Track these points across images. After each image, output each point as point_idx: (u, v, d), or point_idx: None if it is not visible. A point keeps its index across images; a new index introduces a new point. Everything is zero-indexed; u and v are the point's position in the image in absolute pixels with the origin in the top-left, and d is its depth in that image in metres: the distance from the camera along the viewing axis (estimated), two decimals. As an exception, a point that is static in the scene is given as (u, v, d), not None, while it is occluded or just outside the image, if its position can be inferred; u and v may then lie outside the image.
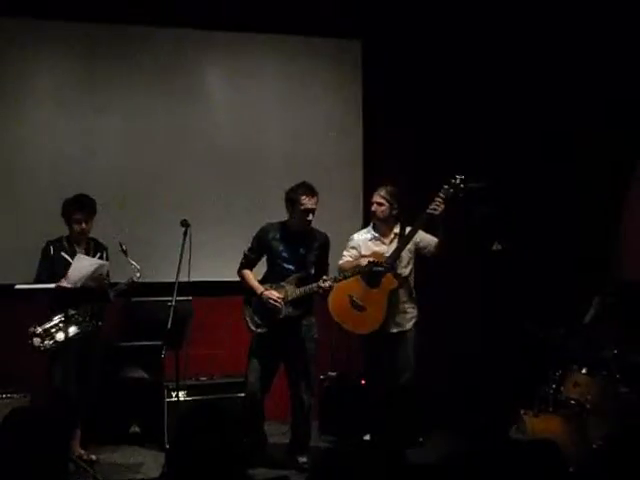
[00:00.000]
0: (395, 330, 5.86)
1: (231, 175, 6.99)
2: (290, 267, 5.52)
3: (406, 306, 5.91)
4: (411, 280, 5.98)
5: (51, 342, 5.32)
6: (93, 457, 5.73)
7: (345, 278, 5.58)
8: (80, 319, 5.42)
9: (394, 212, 5.85)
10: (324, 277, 5.46)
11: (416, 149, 7.14)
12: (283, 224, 5.54)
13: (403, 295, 5.88)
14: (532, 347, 5.93)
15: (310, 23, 7.05)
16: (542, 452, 2.85)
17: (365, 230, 6.06)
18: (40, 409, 4.81)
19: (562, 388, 5.35)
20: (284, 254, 5.53)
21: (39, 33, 6.60)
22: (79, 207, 5.54)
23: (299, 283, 5.50)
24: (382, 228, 5.94)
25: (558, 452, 2.87)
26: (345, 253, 5.94)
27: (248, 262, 5.64)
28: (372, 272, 5.61)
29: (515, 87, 6.98)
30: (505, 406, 5.70)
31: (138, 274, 5.52)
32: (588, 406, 5.23)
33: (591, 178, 6.70)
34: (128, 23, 6.77)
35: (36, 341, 5.28)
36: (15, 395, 6.06)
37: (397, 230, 5.89)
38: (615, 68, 6.47)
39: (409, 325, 5.92)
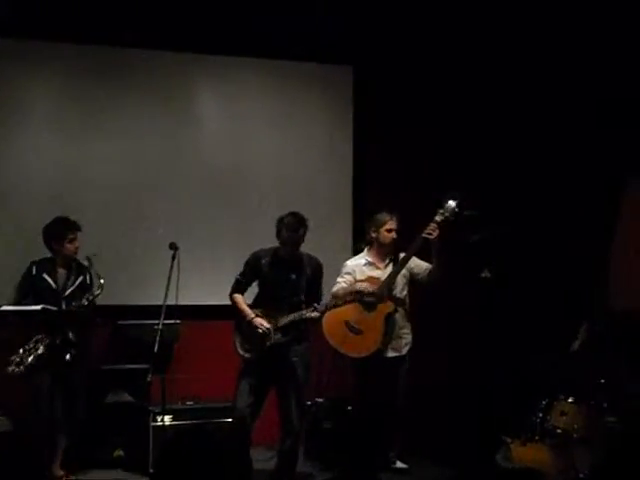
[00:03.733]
0: (392, 355, 5.87)
1: (221, 198, 7.01)
2: (281, 293, 5.48)
3: (402, 331, 5.92)
4: (407, 306, 5.99)
5: (21, 367, 5.30)
6: (73, 478, 5.68)
7: (335, 307, 5.58)
8: (48, 341, 5.36)
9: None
10: (315, 305, 5.43)
11: (406, 174, 7.18)
12: (275, 250, 5.53)
13: (400, 320, 5.89)
14: (519, 375, 5.94)
15: (302, 49, 7.12)
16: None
17: (359, 256, 6.08)
18: (21, 434, 4.78)
19: (549, 417, 5.34)
20: (275, 280, 5.50)
21: (35, 54, 6.63)
22: (73, 227, 5.59)
23: (290, 309, 5.46)
24: (380, 254, 5.97)
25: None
26: (339, 279, 5.94)
27: (239, 286, 5.61)
28: (363, 301, 5.60)
29: (505, 109, 7.04)
30: (490, 433, 5.70)
31: (98, 291, 5.48)
32: (575, 435, 5.22)
33: (580, 204, 6.72)
34: (123, 46, 6.80)
35: (11, 369, 5.29)
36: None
37: (392, 256, 5.92)
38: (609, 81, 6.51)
39: (405, 350, 5.94)
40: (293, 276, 5.49)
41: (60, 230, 5.59)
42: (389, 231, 5.94)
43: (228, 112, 7.13)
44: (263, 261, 5.52)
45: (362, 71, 7.32)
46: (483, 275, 6.30)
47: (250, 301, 5.60)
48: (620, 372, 5.43)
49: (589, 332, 5.71)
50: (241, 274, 5.60)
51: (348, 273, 5.97)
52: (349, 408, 6.24)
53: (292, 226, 5.35)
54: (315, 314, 5.40)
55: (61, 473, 5.59)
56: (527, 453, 5.12)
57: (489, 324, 6.73)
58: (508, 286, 6.64)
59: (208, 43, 6.94)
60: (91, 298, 5.46)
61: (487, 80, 7.13)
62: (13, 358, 5.31)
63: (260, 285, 5.63)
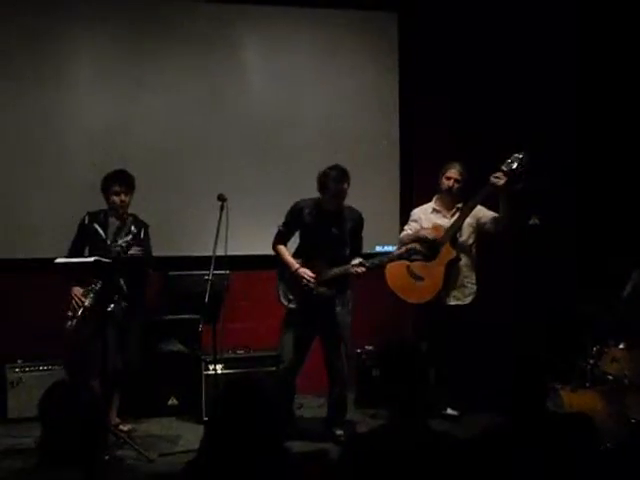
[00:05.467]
0: (453, 303, 5.89)
1: (267, 148, 6.99)
2: (323, 245, 5.49)
3: (466, 280, 5.93)
4: (473, 255, 5.97)
5: (75, 320, 5.37)
6: (130, 427, 5.82)
7: (381, 265, 5.59)
8: (98, 292, 5.42)
9: (462, 187, 5.88)
10: (360, 260, 5.44)
11: (454, 121, 7.08)
12: (317, 202, 5.51)
13: (465, 270, 5.90)
14: (570, 321, 5.90)
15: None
16: (576, 426, 2.85)
17: (428, 204, 6.08)
18: (79, 381, 4.90)
19: (599, 363, 5.31)
20: (317, 232, 5.51)
21: (80, 9, 6.62)
22: (118, 180, 5.61)
23: (333, 262, 5.48)
24: (447, 202, 5.96)
25: (592, 427, 2.86)
26: (405, 227, 6.00)
27: (282, 237, 5.63)
28: (412, 260, 5.59)
29: (555, 55, 6.90)
30: (540, 380, 5.67)
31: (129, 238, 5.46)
32: (626, 381, 5.19)
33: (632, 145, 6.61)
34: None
35: (68, 324, 5.35)
36: (56, 367, 6.18)
37: (460, 205, 5.91)
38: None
39: (468, 300, 5.94)
40: (335, 229, 5.48)
41: (106, 182, 5.64)
42: (448, 179, 5.93)
43: (273, 63, 7.08)
44: (305, 212, 5.51)
45: (406, 18, 7.20)
46: (531, 222, 6.25)
47: (293, 252, 5.64)
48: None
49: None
50: (283, 224, 5.61)
51: (414, 220, 6.02)
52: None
53: (337, 178, 5.31)
54: (361, 269, 5.41)
55: (117, 421, 5.72)
56: (578, 399, 5.10)
57: (538, 271, 6.69)
58: (557, 233, 6.58)
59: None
60: (124, 245, 5.41)
61: (538, 25, 6.96)
62: (69, 314, 5.38)
63: (302, 236, 5.64)
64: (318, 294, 5.44)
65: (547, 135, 6.83)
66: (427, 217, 6.01)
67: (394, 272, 5.80)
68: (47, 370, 6.16)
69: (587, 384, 5.28)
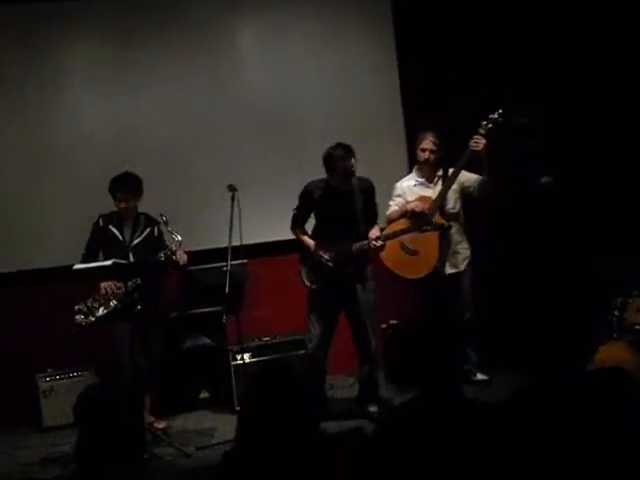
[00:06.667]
0: (451, 271, 5.89)
1: (272, 133, 6.96)
2: (338, 224, 5.49)
3: (459, 247, 5.92)
4: (461, 220, 5.97)
5: (92, 318, 5.41)
6: (165, 424, 5.85)
7: (395, 236, 5.58)
8: (120, 294, 5.44)
9: (440, 155, 5.85)
10: (376, 234, 5.45)
11: (454, 88, 7.03)
12: (326, 181, 5.49)
13: (455, 236, 5.88)
14: (589, 276, 5.89)
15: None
16: (612, 381, 2.83)
17: (408, 177, 6.06)
18: (112, 384, 4.93)
19: (625, 314, 5.30)
20: (329, 212, 5.51)
21: (73, 9, 6.63)
22: (121, 187, 5.60)
23: (349, 239, 5.48)
24: (427, 172, 5.94)
25: (629, 379, 2.84)
26: (391, 202, 5.95)
27: (298, 220, 5.65)
28: (423, 230, 5.58)
29: (554, 18, 6.81)
30: (567, 337, 5.68)
31: (174, 246, 5.45)
32: (654, 329, 5.18)
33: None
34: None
35: (77, 318, 5.40)
36: (86, 373, 6.23)
37: (440, 172, 5.88)
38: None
39: (463, 265, 5.95)
40: (347, 207, 5.46)
41: (111, 186, 5.63)
42: (423, 150, 5.92)
43: (268, 44, 7.04)
44: (315, 194, 5.51)
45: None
46: (543, 181, 6.22)
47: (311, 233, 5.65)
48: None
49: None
50: (297, 208, 5.63)
51: (399, 195, 5.98)
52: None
53: (342, 156, 5.29)
54: (379, 243, 5.41)
55: (151, 419, 5.75)
56: (608, 352, 5.10)
57: (552, 229, 6.66)
58: (570, 190, 6.53)
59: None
60: (169, 253, 5.46)
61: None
62: (79, 307, 5.41)
63: (316, 217, 5.65)
64: (337, 272, 5.45)
65: (547, 94, 6.78)
66: (410, 190, 5.97)
67: (388, 249, 5.74)
68: (77, 377, 6.20)
69: (615, 335, 5.27)
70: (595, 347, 5.20)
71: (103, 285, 5.43)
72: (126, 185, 5.61)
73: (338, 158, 5.29)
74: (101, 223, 5.72)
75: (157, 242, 5.71)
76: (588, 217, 6.56)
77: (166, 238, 5.66)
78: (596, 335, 5.38)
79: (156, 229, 5.73)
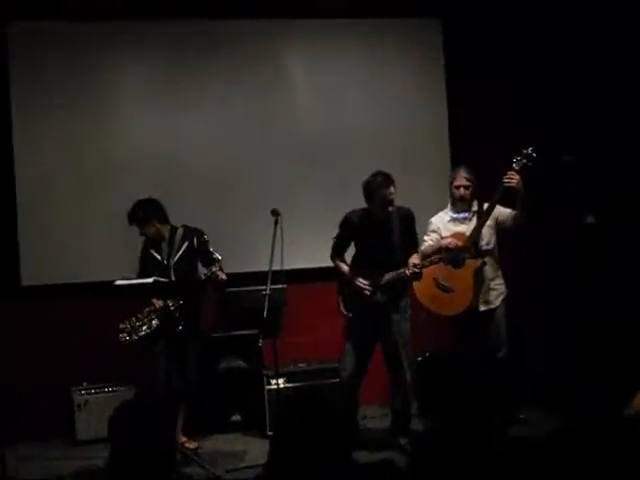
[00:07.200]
0: (484, 308, 5.84)
1: (317, 160, 7.03)
2: (376, 254, 5.49)
3: (492, 283, 5.88)
4: (496, 256, 5.94)
5: (136, 337, 5.51)
6: (196, 444, 5.86)
7: (432, 264, 5.57)
8: (161, 312, 5.53)
9: (475, 190, 5.85)
10: (414, 262, 5.46)
11: (501, 126, 7.02)
12: (366, 211, 5.51)
13: (489, 272, 5.85)
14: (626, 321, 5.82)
15: (387, 4, 7.03)
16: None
17: (443, 212, 6.04)
18: (146, 401, 4.95)
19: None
20: (368, 241, 5.52)
21: (125, 34, 6.77)
22: (130, 218, 5.71)
23: (388, 268, 5.48)
24: (462, 207, 5.92)
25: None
26: (426, 237, 5.93)
27: (337, 248, 5.66)
28: (462, 261, 5.58)
29: (602, 58, 6.80)
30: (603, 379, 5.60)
31: (216, 267, 5.48)
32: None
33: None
34: (210, 18, 6.87)
35: (122, 337, 5.49)
36: (121, 388, 6.28)
37: (475, 208, 5.87)
38: None
39: (497, 302, 5.90)
40: (385, 237, 5.48)
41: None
42: (457, 187, 5.89)
43: (316, 75, 7.13)
44: (355, 223, 5.53)
45: (450, 23, 7.19)
46: (587, 221, 6.18)
47: (350, 261, 5.66)
48: None
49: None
50: (337, 236, 5.64)
51: (433, 231, 5.95)
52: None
53: (381, 184, 5.31)
54: (415, 270, 5.41)
55: (183, 439, 5.78)
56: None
57: (593, 269, 6.59)
58: (614, 231, 6.48)
59: (292, 7, 6.94)
60: (209, 274, 5.50)
61: (583, 27, 6.87)
62: (124, 326, 5.52)
63: (356, 245, 5.66)
64: (374, 302, 5.45)
65: (599, 136, 6.75)
66: (445, 226, 5.94)
67: (422, 285, 5.73)
68: (112, 392, 6.27)
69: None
70: (633, 391, 5.11)
71: (155, 301, 5.52)
72: (132, 216, 5.71)
73: (377, 186, 5.32)
74: (143, 248, 5.82)
75: (199, 252, 5.73)
76: (629, 257, 6.51)
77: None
78: (635, 378, 5.29)
79: (195, 240, 5.76)
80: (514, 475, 2.74)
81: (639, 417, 4.03)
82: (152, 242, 5.78)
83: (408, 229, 5.57)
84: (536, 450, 2.88)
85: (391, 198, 5.35)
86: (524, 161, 5.65)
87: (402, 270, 5.42)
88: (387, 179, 5.33)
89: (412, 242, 5.60)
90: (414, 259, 5.53)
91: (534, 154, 5.63)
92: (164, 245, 5.78)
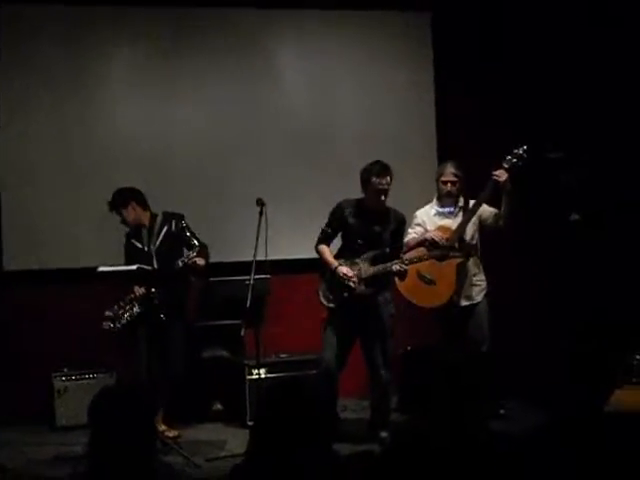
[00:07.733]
0: (466, 303, 5.87)
1: (305, 152, 7.03)
2: (364, 244, 5.50)
3: (475, 279, 5.90)
4: (478, 252, 5.96)
5: (119, 325, 5.51)
6: (176, 433, 5.85)
7: (419, 261, 5.59)
8: (143, 300, 5.54)
9: (462, 186, 5.86)
10: (403, 258, 5.46)
11: (489, 119, 7.04)
12: (359, 201, 5.52)
13: (472, 267, 5.87)
14: (609, 318, 5.84)
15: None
16: (629, 427, 2.79)
17: (428, 206, 6.05)
18: (127, 388, 4.93)
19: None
20: (359, 231, 5.51)
21: (115, 20, 6.74)
22: (110, 207, 5.74)
23: (373, 261, 5.48)
24: (448, 203, 5.93)
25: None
26: (410, 230, 5.94)
27: (325, 237, 5.64)
28: (448, 257, 5.60)
29: (590, 49, 6.82)
30: (584, 376, 5.62)
31: (193, 253, 5.52)
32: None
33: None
34: (196, 5, 6.83)
35: (105, 324, 5.49)
36: (101, 375, 6.26)
37: (461, 203, 5.88)
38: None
39: (479, 297, 5.92)
40: (377, 228, 5.49)
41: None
42: (444, 183, 5.90)
43: (307, 66, 7.12)
44: (347, 212, 5.52)
45: (440, 18, 7.19)
46: (572, 218, 6.20)
47: (335, 253, 5.64)
48: None
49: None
50: (326, 225, 5.62)
51: (418, 224, 5.97)
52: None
53: (379, 172, 5.33)
54: (402, 267, 5.41)
55: (163, 428, 5.76)
56: (625, 396, 5.05)
57: (578, 266, 6.62)
58: (598, 229, 6.50)
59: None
60: (186, 260, 5.51)
61: (570, 18, 6.90)
62: (108, 314, 5.51)
63: (344, 236, 5.64)
64: (357, 293, 5.44)
65: (588, 130, 6.77)
66: (430, 219, 5.96)
67: (405, 279, 5.75)
68: (93, 378, 6.24)
69: (634, 380, 5.22)
70: (612, 389, 5.15)
71: (136, 288, 5.52)
72: (112, 203, 5.73)
73: (373, 173, 5.33)
74: (126, 240, 5.83)
75: (179, 235, 5.74)
76: (613, 255, 6.53)
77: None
78: (614, 376, 5.32)
79: (174, 224, 5.76)
80: (495, 469, 2.74)
81: (618, 413, 4.05)
82: (133, 231, 5.78)
83: (397, 233, 5.58)
84: (518, 445, 2.89)
85: (385, 188, 5.37)
86: (514, 160, 5.66)
87: (389, 264, 5.42)
88: (384, 169, 5.36)
89: (397, 248, 5.60)
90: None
91: (525, 154, 5.65)
92: (144, 232, 5.77)
